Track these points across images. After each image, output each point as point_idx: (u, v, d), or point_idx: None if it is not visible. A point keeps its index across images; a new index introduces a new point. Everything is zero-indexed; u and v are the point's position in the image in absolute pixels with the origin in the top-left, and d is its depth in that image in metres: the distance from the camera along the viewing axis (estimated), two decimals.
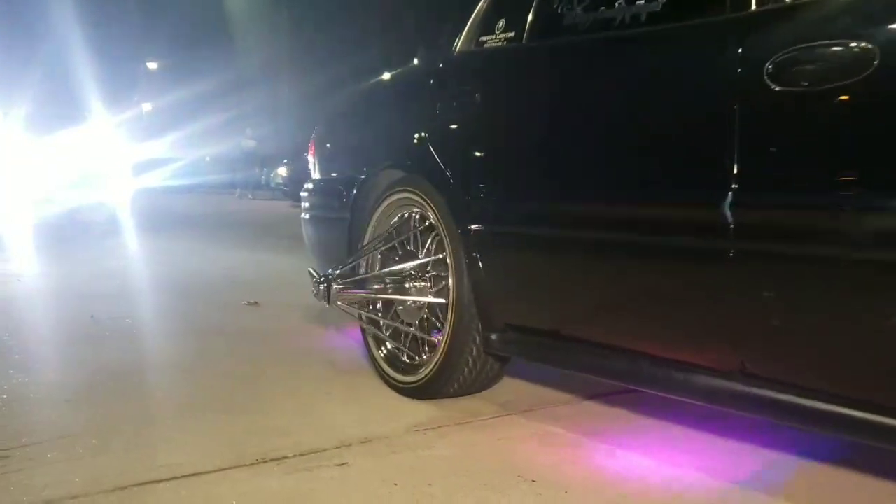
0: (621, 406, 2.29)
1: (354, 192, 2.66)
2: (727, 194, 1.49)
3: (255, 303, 4.00)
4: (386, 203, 2.50)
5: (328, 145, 3.10)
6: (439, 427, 2.10)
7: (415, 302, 2.40)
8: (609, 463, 1.85)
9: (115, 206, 9.41)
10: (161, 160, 18.51)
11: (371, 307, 2.56)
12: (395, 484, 1.71)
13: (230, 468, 1.80)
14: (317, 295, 2.54)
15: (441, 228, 2.25)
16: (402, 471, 1.79)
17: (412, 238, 2.46)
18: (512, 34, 2.21)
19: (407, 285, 2.40)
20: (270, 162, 17.48)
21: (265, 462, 1.84)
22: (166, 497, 1.65)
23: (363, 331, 2.60)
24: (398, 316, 2.48)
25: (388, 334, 2.51)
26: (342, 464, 1.83)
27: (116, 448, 1.94)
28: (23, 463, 1.83)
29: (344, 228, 2.71)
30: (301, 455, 1.89)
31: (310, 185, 3.10)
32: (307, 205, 3.09)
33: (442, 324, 2.30)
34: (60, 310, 4.01)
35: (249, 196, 18.96)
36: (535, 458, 1.87)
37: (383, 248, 2.52)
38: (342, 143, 3.05)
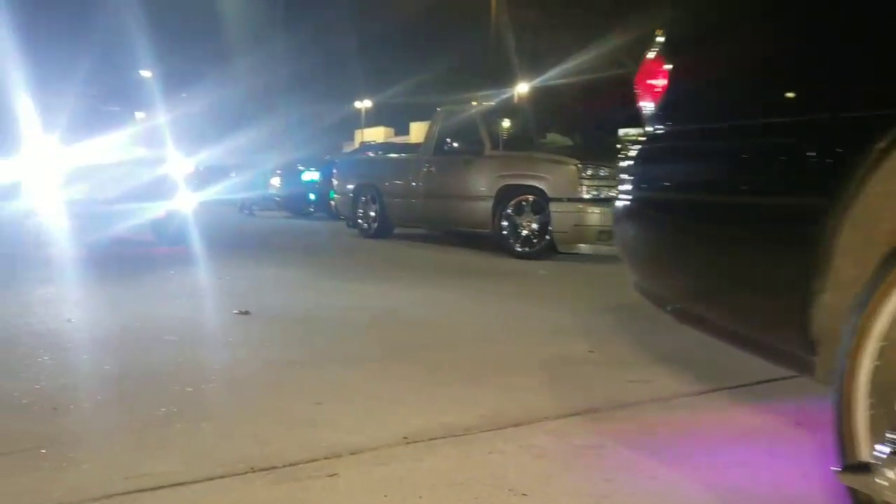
0: (614, 421, 2.27)
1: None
2: None
3: (247, 312, 3.97)
4: None
5: (715, 57, 1.72)
6: (430, 440, 2.07)
7: None
8: (600, 477, 1.83)
9: (188, 217, 7.56)
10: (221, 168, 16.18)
11: None
12: (385, 496, 1.69)
13: (217, 478, 1.77)
14: None
15: None
16: (392, 483, 1.77)
17: None
18: None
19: None
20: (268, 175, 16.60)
21: (254, 472, 1.81)
22: None
23: None
24: None
25: None
26: (332, 475, 1.81)
27: (99, 457, 1.91)
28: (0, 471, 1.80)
29: (810, 236, 1.34)
30: (290, 465, 1.86)
31: (645, 147, 1.81)
32: (630, 185, 1.82)
33: None
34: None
35: (246, 211, 17.61)
36: (526, 471, 1.85)
37: None
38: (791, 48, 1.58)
